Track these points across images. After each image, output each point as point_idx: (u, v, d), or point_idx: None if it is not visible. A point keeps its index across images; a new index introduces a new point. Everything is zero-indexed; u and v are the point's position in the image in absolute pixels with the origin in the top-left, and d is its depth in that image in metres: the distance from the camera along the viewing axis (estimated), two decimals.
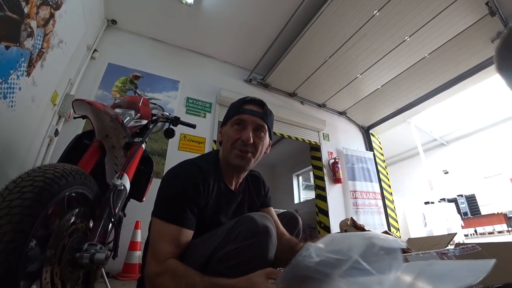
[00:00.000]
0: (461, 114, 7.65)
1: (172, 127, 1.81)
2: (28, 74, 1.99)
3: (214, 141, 3.64)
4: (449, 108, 6.82)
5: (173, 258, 0.86)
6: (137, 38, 3.92)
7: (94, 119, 1.39)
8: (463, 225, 7.47)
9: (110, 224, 1.09)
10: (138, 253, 2.57)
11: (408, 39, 3.79)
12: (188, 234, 0.93)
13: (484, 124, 8.25)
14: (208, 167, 1.05)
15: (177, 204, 0.94)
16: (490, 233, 7.52)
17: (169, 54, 4.09)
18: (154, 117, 1.77)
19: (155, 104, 2.18)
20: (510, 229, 7.44)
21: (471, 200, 8.68)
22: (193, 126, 1.95)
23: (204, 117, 3.82)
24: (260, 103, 1.12)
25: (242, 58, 4.48)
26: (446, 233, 2.21)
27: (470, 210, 8.56)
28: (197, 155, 2.92)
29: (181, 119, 1.86)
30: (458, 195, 8.91)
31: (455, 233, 2.08)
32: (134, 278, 2.40)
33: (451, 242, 2.00)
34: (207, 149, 3.56)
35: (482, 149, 8.42)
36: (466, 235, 7.57)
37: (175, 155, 3.34)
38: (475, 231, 7.94)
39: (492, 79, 4.30)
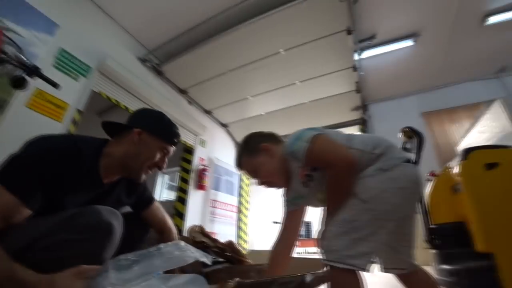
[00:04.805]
0: None
1: (25, 76, 1.46)
2: None
3: (79, 110, 3.09)
4: None
5: None
6: None
7: None
8: (298, 244, 8.90)
9: None
10: None
11: (298, 84, 4.42)
12: (26, 213, 0.77)
13: None
14: (88, 153, 0.94)
15: (32, 178, 0.78)
16: (314, 253, 9.32)
17: None
18: (3, 56, 1.39)
19: (11, 39, 1.71)
20: None
21: (307, 226, 10.70)
22: (56, 86, 1.63)
23: (76, 79, 3.12)
24: (179, 137, 1.22)
25: (145, 33, 4.00)
26: None
27: (306, 233, 10.49)
28: (52, 120, 2.46)
29: (43, 71, 1.52)
30: None
31: None
32: None
33: None
34: (67, 118, 2.93)
35: None
36: (298, 253, 9.05)
37: (20, 112, 2.61)
38: (305, 250, 9.72)
39: None
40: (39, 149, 0.85)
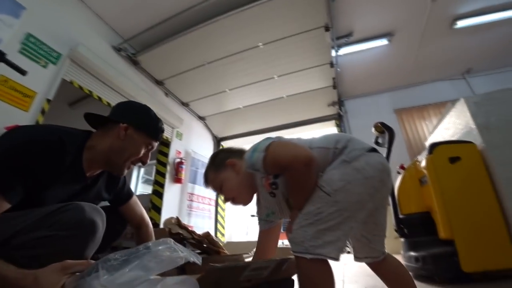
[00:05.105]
0: None
1: None
2: None
3: (48, 100, 2.90)
4: None
5: None
6: None
7: None
8: None
9: None
10: None
11: (276, 78, 4.45)
12: (4, 207, 0.74)
13: None
14: (72, 146, 0.90)
15: (13, 170, 0.74)
16: None
17: None
18: None
19: None
20: None
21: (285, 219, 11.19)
22: (23, 73, 1.54)
23: (45, 67, 2.90)
24: (163, 132, 1.21)
25: (120, 21, 3.80)
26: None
27: (282, 227, 10.96)
28: (17, 110, 2.34)
29: (8, 57, 1.45)
30: None
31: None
32: None
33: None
34: (34, 108, 2.73)
35: None
36: None
37: None
38: (282, 242, 9.98)
39: (324, 131, 5.61)
40: (21, 140, 0.80)
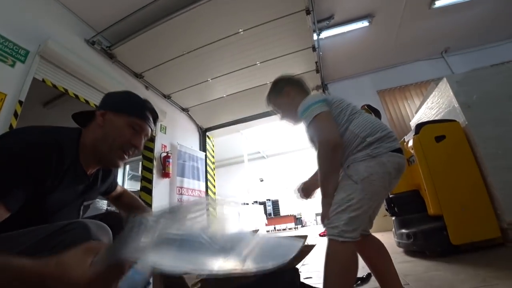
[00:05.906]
0: (281, 136, 9.60)
1: None
2: None
3: (20, 101, 2.69)
4: (273, 129, 8.36)
5: None
6: None
7: None
8: (266, 223, 9.68)
9: None
10: None
11: (258, 64, 4.38)
12: (3, 216, 0.69)
13: (295, 148, 10.94)
14: (68, 146, 0.87)
15: (14, 176, 0.70)
16: (283, 229, 10.38)
17: None
18: None
19: None
20: (296, 226, 10.58)
21: (275, 204, 11.54)
22: None
23: (13, 66, 2.68)
24: (155, 113, 1.12)
25: (92, 12, 3.55)
26: (254, 229, 2.61)
27: (273, 212, 11.33)
28: None
29: None
30: (267, 199, 11.54)
31: (258, 230, 2.50)
32: None
33: None
34: (6, 111, 2.51)
35: (290, 165, 11.28)
36: (267, 231, 9.55)
37: None
38: (274, 228, 10.45)
39: None
40: (18, 144, 0.75)
